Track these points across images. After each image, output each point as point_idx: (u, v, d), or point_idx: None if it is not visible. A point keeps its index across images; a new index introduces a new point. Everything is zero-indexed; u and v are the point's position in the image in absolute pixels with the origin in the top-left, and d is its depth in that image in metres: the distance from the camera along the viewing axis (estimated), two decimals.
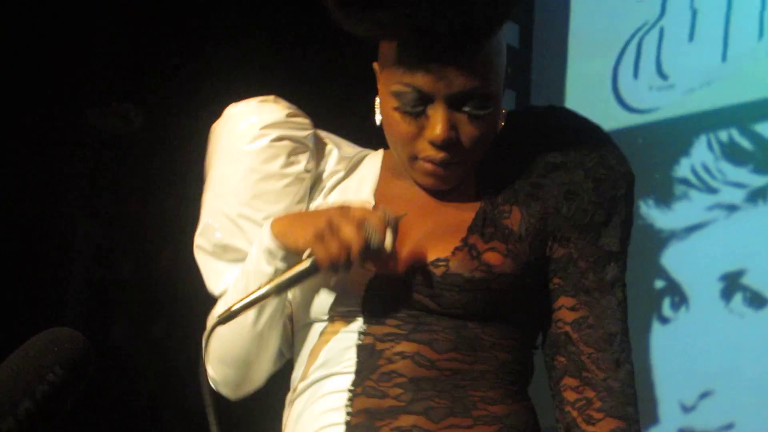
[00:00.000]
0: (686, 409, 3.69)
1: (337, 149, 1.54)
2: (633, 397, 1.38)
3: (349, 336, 1.40)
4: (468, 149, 1.41)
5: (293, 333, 1.48)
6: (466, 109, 1.39)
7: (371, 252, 1.35)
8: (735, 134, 3.83)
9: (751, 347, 3.58)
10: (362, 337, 1.40)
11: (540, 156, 1.41)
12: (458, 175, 1.45)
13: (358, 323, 1.41)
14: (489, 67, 1.40)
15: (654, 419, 3.78)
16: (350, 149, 1.57)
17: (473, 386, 1.37)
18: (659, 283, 3.89)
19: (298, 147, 1.48)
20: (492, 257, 1.39)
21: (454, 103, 1.39)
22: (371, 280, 1.40)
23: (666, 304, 3.85)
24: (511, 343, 1.41)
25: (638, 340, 3.92)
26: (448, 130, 1.39)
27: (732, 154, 3.81)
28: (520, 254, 1.39)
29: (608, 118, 4.09)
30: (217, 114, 1.58)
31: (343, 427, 1.36)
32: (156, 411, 3.84)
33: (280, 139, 1.48)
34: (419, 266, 1.39)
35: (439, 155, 1.41)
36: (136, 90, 4.01)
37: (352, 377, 1.38)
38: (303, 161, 1.48)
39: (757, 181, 3.75)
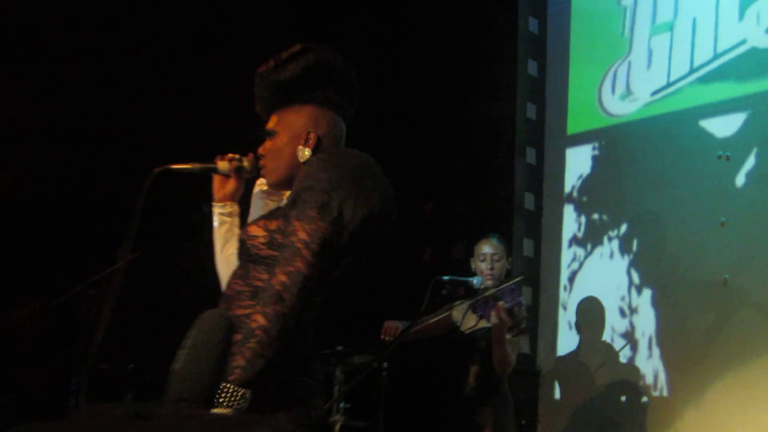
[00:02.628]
0: None
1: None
2: (275, 309, 1.76)
3: None
4: (267, 159, 2.05)
5: None
6: (267, 137, 2.07)
7: (241, 167, 2.17)
8: None
9: None
10: None
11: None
12: (269, 174, 2.05)
13: None
14: (280, 119, 2.04)
15: None
16: None
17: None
18: None
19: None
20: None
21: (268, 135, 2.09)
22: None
23: None
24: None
25: None
26: (261, 148, 2.08)
27: None
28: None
29: (595, 120, 4.97)
30: None
31: None
32: None
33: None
34: None
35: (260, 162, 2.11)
36: None
37: None
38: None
39: None
